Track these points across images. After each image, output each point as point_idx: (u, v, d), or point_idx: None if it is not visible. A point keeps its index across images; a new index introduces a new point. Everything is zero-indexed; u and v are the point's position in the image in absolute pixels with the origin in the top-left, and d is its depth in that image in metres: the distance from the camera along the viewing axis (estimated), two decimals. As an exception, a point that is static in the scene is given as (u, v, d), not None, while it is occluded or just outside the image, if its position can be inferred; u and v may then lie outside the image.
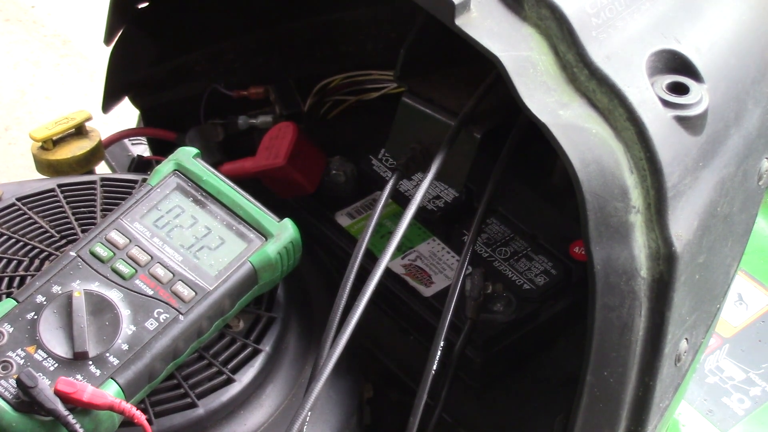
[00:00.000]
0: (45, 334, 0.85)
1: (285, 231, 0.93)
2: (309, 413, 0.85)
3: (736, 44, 0.93)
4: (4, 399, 0.82)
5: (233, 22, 1.33)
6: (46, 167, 1.23)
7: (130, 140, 1.77)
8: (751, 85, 0.93)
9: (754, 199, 0.98)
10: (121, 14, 1.21)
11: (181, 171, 0.95)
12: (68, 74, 3.15)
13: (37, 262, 0.96)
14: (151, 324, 0.87)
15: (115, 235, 0.91)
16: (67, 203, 1.03)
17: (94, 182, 1.05)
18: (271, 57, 1.37)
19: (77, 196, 1.04)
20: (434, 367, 0.97)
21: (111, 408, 0.82)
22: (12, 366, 0.84)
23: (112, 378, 0.84)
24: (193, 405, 0.89)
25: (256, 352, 0.93)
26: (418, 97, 1.03)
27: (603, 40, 0.85)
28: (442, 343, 0.98)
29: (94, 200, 1.03)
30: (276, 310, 0.97)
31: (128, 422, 0.84)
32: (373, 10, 1.35)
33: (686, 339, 0.94)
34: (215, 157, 1.30)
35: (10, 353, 0.84)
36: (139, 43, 1.26)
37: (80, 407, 0.82)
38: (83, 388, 0.82)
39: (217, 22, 1.32)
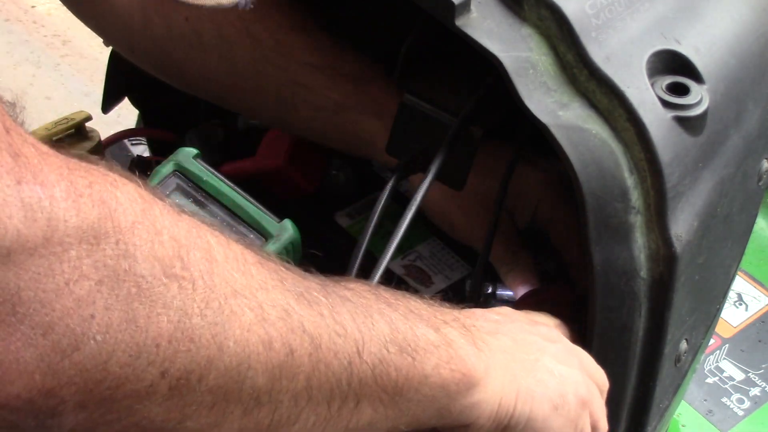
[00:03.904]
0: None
1: (285, 232, 0.93)
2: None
3: (736, 44, 0.93)
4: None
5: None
6: (46, 167, 1.22)
7: (130, 140, 1.77)
8: (751, 86, 0.93)
9: (754, 199, 0.98)
10: (121, 14, 1.20)
11: (181, 171, 0.95)
12: (68, 74, 3.15)
13: (37, 262, 0.96)
14: (151, 324, 0.87)
15: (115, 236, 0.91)
16: (67, 203, 1.02)
17: (94, 182, 1.05)
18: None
19: (77, 196, 1.03)
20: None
21: (111, 408, 0.82)
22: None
23: (112, 378, 0.84)
24: (193, 405, 0.89)
25: (256, 353, 0.93)
26: (418, 97, 1.02)
27: (603, 40, 0.85)
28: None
29: (94, 200, 1.03)
30: (276, 310, 0.96)
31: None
32: (372, 10, 1.34)
33: (686, 339, 0.94)
34: (215, 158, 1.30)
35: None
36: (139, 44, 1.26)
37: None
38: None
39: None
